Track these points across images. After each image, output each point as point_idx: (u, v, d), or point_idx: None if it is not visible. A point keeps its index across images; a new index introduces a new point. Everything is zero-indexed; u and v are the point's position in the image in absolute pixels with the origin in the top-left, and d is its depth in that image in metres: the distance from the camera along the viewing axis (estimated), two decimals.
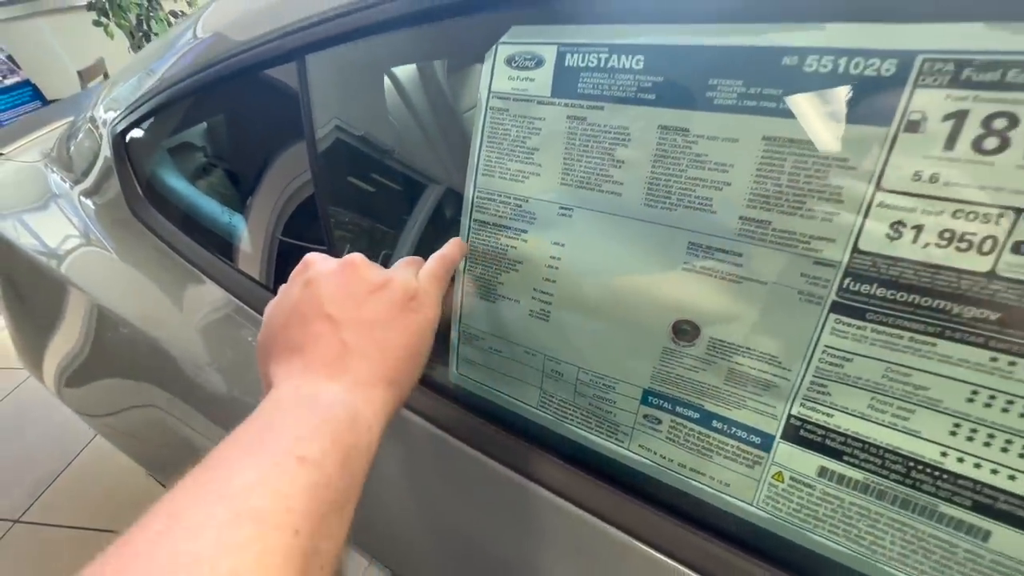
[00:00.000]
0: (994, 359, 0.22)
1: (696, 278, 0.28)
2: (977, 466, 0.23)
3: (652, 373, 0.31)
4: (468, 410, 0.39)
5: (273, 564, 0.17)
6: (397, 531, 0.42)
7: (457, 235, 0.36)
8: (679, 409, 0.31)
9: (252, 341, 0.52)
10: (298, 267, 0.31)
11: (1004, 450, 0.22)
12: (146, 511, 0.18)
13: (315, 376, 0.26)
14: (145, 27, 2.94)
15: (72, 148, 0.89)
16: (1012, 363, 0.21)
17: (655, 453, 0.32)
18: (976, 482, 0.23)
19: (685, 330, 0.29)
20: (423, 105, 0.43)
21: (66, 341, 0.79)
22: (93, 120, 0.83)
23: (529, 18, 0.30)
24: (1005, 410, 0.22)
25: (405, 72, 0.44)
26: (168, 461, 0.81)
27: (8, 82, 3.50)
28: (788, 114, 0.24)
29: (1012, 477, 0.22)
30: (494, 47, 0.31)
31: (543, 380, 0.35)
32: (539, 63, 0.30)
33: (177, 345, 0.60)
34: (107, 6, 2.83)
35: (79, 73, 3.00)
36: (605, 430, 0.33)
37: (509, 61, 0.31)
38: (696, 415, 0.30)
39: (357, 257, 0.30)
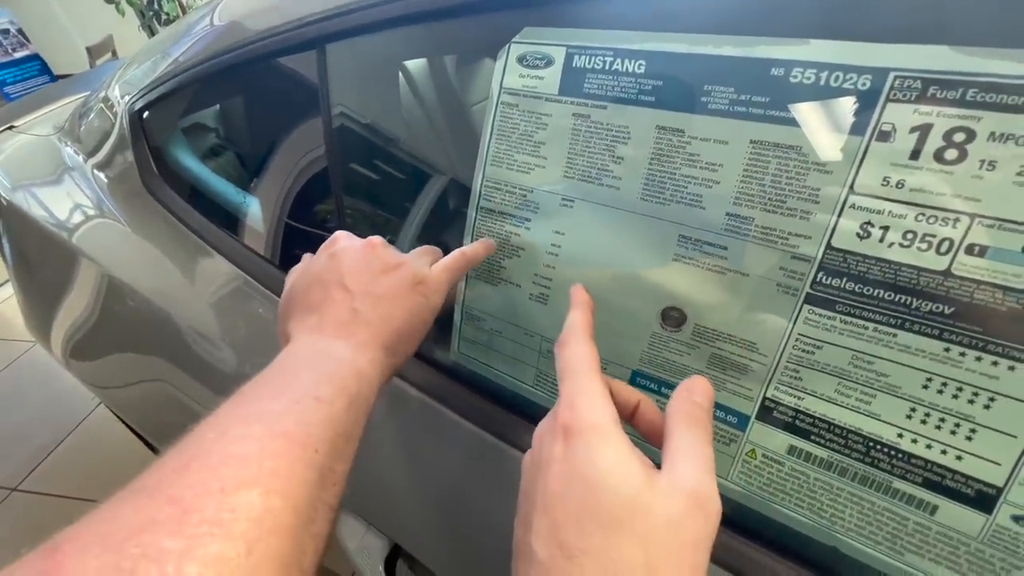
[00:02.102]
0: (947, 350, 0.24)
1: (685, 269, 0.30)
2: (928, 447, 0.26)
3: (641, 356, 0.33)
4: (467, 386, 0.41)
5: (300, 470, 0.21)
6: (395, 499, 0.45)
7: (464, 222, 0.38)
8: (664, 390, 0.33)
9: (263, 313, 0.55)
10: (327, 241, 0.35)
11: (953, 432, 0.25)
12: (193, 429, 0.22)
13: (326, 334, 0.29)
14: (156, 6, 2.94)
15: (84, 126, 0.91)
16: (962, 353, 0.24)
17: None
18: (927, 461, 0.26)
19: (673, 316, 0.31)
20: (438, 97, 0.45)
21: (76, 311, 0.81)
22: (107, 100, 0.85)
23: (541, 20, 0.33)
24: (955, 396, 0.24)
25: (420, 65, 0.46)
26: (174, 434, 0.83)
27: (17, 55, 3.49)
28: (774, 120, 0.26)
29: (959, 457, 0.25)
30: (507, 46, 0.34)
31: (539, 360, 0.38)
32: (548, 63, 0.32)
33: (187, 318, 0.62)
34: None
35: (88, 49, 3.00)
36: None
37: (520, 60, 0.33)
38: None
39: (378, 240, 0.34)
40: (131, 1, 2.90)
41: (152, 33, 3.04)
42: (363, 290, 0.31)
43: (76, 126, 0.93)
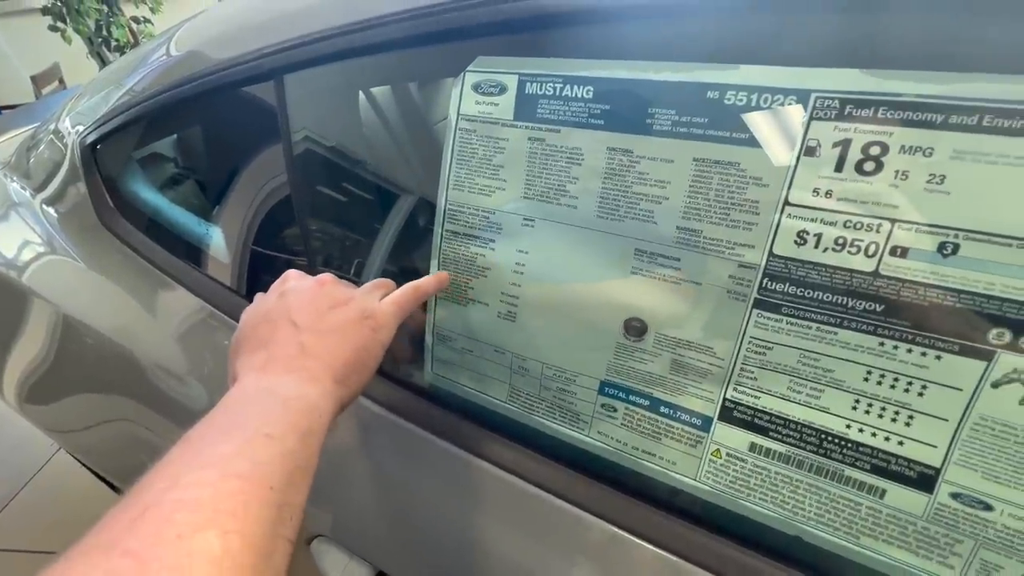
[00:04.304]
0: (882, 344, 0.26)
1: (642, 281, 0.32)
2: (874, 435, 0.27)
3: (607, 366, 0.34)
4: (442, 407, 0.42)
5: (256, 509, 0.21)
6: (376, 525, 0.44)
7: (429, 244, 0.39)
8: (632, 398, 0.34)
9: (228, 344, 0.54)
10: (278, 280, 0.35)
11: (893, 420, 0.27)
12: (142, 479, 0.21)
13: (274, 370, 0.29)
14: (105, 32, 2.85)
15: (32, 159, 0.87)
16: (895, 347, 0.26)
17: (612, 438, 0.35)
18: (873, 448, 0.28)
19: (635, 327, 0.33)
20: (396, 122, 0.46)
21: (30, 354, 0.77)
22: (57, 132, 0.82)
23: (493, 49, 0.34)
24: (892, 386, 0.26)
25: (379, 91, 0.47)
26: (140, 474, 0.80)
27: None
28: (713, 139, 0.28)
29: (901, 443, 0.27)
30: (462, 75, 0.35)
31: (511, 376, 0.38)
32: (502, 90, 0.34)
33: (150, 354, 0.60)
34: (64, 11, 2.74)
35: (32, 79, 2.89)
36: (568, 419, 0.37)
37: (476, 87, 0.35)
38: (646, 402, 0.34)
39: (328, 277, 0.35)
40: (78, 29, 2.80)
41: (102, 60, 2.95)
42: (310, 326, 0.31)
43: (24, 160, 0.90)
